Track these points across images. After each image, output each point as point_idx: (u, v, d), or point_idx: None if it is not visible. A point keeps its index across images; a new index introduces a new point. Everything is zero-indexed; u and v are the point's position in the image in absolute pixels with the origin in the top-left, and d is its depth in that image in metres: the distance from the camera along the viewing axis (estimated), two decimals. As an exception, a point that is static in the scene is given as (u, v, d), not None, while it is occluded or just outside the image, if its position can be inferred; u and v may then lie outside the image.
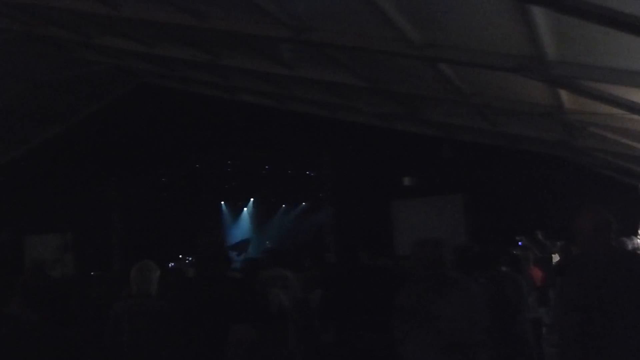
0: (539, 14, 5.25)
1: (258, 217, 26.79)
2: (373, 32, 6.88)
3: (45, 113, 14.47)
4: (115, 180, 21.16)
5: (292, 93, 11.73)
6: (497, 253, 7.16)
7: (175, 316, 4.67)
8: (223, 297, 4.50)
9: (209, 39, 9.21)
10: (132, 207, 21.76)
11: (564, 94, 7.54)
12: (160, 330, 4.63)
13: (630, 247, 8.33)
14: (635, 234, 11.08)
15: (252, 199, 26.94)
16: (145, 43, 10.12)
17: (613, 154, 10.76)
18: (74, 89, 13.63)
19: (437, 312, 4.02)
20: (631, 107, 6.98)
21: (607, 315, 3.36)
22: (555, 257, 10.95)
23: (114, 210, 21.51)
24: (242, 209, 27.20)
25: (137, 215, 21.47)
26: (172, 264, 15.51)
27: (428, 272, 4.27)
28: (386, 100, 10.56)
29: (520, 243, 13.73)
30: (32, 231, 18.55)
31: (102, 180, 20.47)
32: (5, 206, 17.68)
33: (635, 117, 7.41)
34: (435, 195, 19.08)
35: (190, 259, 16.52)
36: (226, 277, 4.67)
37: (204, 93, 13.83)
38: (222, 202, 26.78)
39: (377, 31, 6.78)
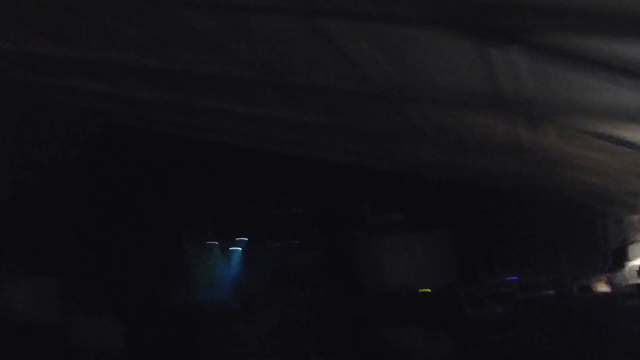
0: (496, 53, 5.32)
1: (249, 258, 26.51)
2: (335, 72, 6.86)
3: (13, 159, 14.22)
4: (92, 226, 20.87)
5: (270, 134, 11.71)
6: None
7: None
8: None
9: (177, 80, 9.20)
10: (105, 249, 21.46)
11: (528, 132, 7.59)
12: None
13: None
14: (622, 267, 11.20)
15: (239, 239, 26.70)
16: (113, 84, 10.09)
17: (583, 194, 10.84)
18: (43, 132, 13.47)
19: None
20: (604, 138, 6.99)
21: None
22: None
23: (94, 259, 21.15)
24: (232, 251, 26.93)
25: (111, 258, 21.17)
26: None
27: None
28: (358, 139, 10.57)
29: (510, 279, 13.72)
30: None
31: (78, 225, 20.19)
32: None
33: (600, 155, 7.48)
34: (424, 231, 18.94)
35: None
36: None
37: (174, 134, 13.81)
38: (208, 244, 26.46)
39: (340, 71, 6.76)
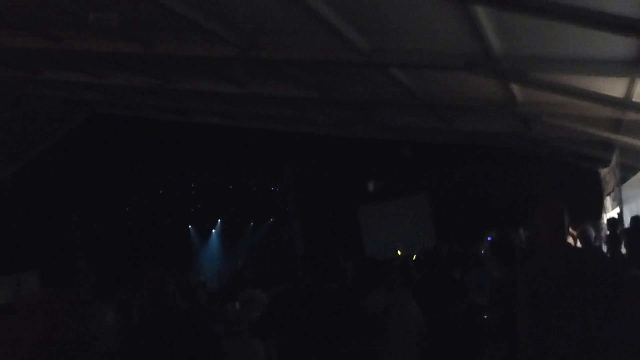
0: (481, 11, 5.30)
1: (227, 238, 26.52)
2: (320, 43, 6.87)
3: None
4: (78, 213, 20.81)
5: (247, 110, 11.67)
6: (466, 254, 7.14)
7: None
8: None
9: (158, 65, 9.11)
10: (98, 238, 21.41)
11: (515, 87, 7.61)
12: None
13: (593, 234, 8.26)
14: (599, 218, 11.12)
15: (219, 220, 26.66)
16: (93, 74, 9.99)
17: (570, 141, 10.89)
18: (25, 126, 13.40)
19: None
20: (581, 94, 7.08)
21: (556, 310, 3.34)
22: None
23: (78, 244, 21.13)
24: (211, 231, 26.90)
25: (104, 245, 21.13)
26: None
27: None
28: (341, 109, 10.57)
29: (489, 239, 13.71)
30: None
31: (65, 215, 20.10)
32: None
33: (586, 103, 7.52)
34: (401, 197, 19.13)
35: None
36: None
37: (159, 118, 13.72)
38: (190, 226, 26.42)
39: (325, 42, 6.77)
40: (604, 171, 11.55)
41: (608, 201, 11.34)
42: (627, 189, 10.09)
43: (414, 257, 12.95)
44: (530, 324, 3.46)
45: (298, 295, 4.28)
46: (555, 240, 3.56)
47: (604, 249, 8.26)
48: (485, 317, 5.83)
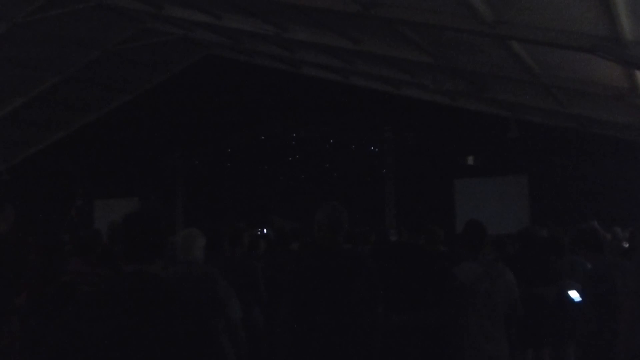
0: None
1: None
2: (442, 7, 6.75)
3: (116, 81, 14.80)
4: (180, 149, 21.49)
5: (357, 68, 11.63)
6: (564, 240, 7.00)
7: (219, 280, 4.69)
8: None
9: (277, 12, 9.20)
10: (197, 175, 22.11)
11: (639, 77, 7.28)
12: (207, 295, 4.65)
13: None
14: None
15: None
16: (213, 14, 10.19)
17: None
18: (143, 59, 13.86)
19: None
20: None
21: None
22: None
23: (179, 178, 21.88)
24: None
25: (202, 183, 21.82)
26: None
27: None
28: (452, 78, 10.39)
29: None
30: (101, 196, 19.16)
31: (168, 149, 20.82)
32: (76, 171, 18.23)
33: None
34: (499, 176, 18.76)
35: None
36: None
37: (269, 66, 13.87)
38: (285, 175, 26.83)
39: (447, 7, 6.65)
40: None
41: None
42: None
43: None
44: (635, 316, 3.42)
45: (400, 251, 4.52)
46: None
47: None
48: (576, 303, 5.73)
